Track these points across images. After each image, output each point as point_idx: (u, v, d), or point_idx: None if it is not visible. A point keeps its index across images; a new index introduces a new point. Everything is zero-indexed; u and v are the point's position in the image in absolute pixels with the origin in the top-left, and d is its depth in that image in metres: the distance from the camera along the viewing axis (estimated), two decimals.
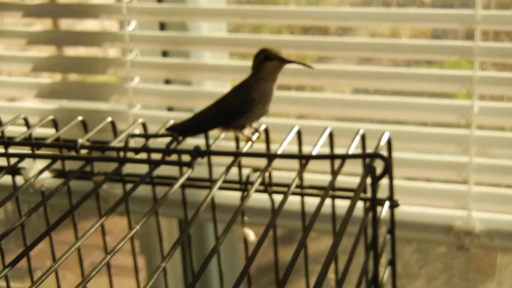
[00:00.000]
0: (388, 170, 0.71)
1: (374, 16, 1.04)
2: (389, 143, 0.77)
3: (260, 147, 0.84)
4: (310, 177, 0.99)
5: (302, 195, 0.84)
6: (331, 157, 0.73)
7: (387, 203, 0.79)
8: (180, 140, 0.78)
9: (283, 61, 0.78)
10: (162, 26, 1.22)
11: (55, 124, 0.86)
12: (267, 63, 0.78)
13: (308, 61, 1.20)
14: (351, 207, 0.63)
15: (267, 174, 0.83)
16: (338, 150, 0.80)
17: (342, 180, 0.91)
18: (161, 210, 0.88)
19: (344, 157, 0.71)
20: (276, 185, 0.85)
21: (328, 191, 0.68)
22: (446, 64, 1.20)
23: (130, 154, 0.75)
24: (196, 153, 0.74)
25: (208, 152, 0.74)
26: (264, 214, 0.88)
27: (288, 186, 0.68)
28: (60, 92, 1.21)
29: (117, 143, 0.80)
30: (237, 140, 0.84)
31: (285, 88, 1.15)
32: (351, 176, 0.97)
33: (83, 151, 0.76)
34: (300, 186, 0.84)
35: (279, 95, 1.09)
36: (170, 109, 1.23)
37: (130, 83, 1.18)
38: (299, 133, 0.81)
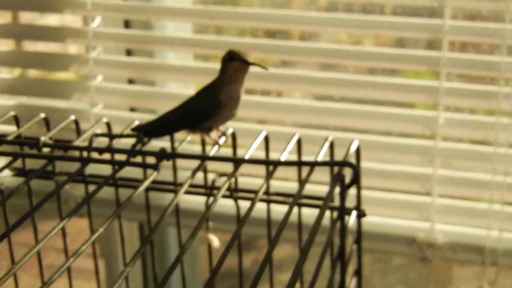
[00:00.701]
0: (357, 179, 0.70)
1: (339, 22, 1.04)
2: (357, 151, 0.76)
3: (227, 151, 0.82)
4: (276, 184, 0.98)
5: (269, 202, 0.82)
6: (300, 163, 0.72)
7: (354, 213, 0.78)
8: (145, 141, 0.76)
9: (244, 62, 0.76)
10: (127, 24, 1.20)
11: (16, 120, 0.83)
12: (230, 63, 0.76)
13: (271, 65, 1.19)
14: (320, 217, 0.62)
15: (233, 180, 0.82)
16: (305, 158, 0.79)
17: (309, 188, 0.90)
18: (123, 213, 0.86)
19: (313, 164, 0.70)
20: (242, 191, 0.83)
21: (296, 199, 0.66)
22: (407, 74, 1.20)
23: (93, 154, 0.73)
24: (162, 155, 0.72)
25: (174, 155, 0.72)
26: (229, 220, 0.86)
27: (255, 192, 0.67)
28: (20, 88, 1.18)
29: (80, 142, 0.77)
30: (203, 143, 0.82)
31: (251, 93, 1.13)
32: (317, 184, 0.96)
33: (45, 150, 0.73)
34: (267, 192, 0.82)
35: (245, 99, 1.09)
36: (132, 109, 1.21)
37: (92, 81, 1.15)
38: (266, 139, 0.80)
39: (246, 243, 1.28)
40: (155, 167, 0.69)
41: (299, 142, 0.79)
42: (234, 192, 0.82)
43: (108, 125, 0.84)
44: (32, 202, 0.83)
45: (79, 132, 0.83)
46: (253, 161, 0.72)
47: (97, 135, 0.74)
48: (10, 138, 0.76)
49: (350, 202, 0.75)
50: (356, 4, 1.18)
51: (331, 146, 0.78)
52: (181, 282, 0.87)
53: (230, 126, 0.82)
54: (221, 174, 0.83)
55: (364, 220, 1.05)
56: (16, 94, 1.19)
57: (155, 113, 1.15)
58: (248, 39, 1.12)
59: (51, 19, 1.30)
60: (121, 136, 0.75)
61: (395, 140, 1.05)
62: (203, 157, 0.72)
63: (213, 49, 1.09)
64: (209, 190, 0.83)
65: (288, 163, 0.72)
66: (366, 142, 1.05)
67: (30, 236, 0.82)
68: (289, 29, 1.17)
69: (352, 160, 0.75)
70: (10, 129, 0.82)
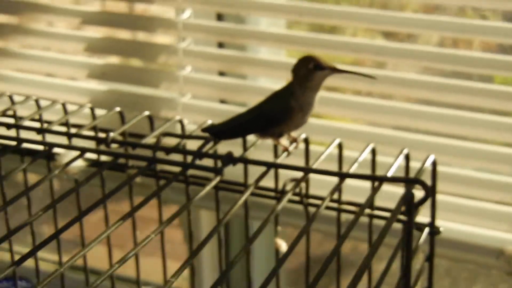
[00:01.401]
0: (427, 198, 0.66)
1: (438, 25, 0.99)
2: (434, 166, 0.73)
3: (300, 156, 0.80)
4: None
5: (339, 210, 0.80)
6: (370, 178, 0.69)
7: (427, 229, 0.74)
8: (214, 142, 0.75)
9: (337, 71, 0.74)
10: (219, 17, 1.19)
11: (92, 112, 0.84)
12: (318, 72, 0.74)
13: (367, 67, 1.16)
14: (384, 231, 0.60)
15: (304, 185, 0.80)
16: (381, 159, 0.77)
17: (387, 193, 0.87)
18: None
19: (382, 180, 0.67)
20: (313, 197, 0.81)
21: (363, 209, 0.64)
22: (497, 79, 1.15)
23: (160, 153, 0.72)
24: (228, 159, 0.71)
25: (240, 160, 0.71)
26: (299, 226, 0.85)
27: (323, 199, 0.65)
28: (111, 75, 1.19)
29: (152, 138, 0.77)
30: (275, 147, 0.80)
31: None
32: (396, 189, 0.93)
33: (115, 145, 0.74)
34: (338, 201, 0.80)
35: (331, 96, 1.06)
36: (222, 101, 1.20)
37: (181, 71, 1.15)
38: (340, 147, 0.77)
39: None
40: (218, 171, 0.68)
41: (373, 152, 0.77)
42: (304, 198, 0.80)
43: (181, 122, 0.83)
44: (104, 192, 0.83)
45: (152, 128, 0.82)
46: (322, 172, 0.70)
47: (165, 135, 0.73)
48: (85, 129, 0.77)
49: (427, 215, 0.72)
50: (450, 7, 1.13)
51: (407, 158, 0.75)
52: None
53: (302, 132, 0.79)
54: (293, 179, 0.81)
55: (450, 227, 1.01)
56: (108, 80, 1.21)
57: (245, 106, 1.14)
58: (342, 37, 1.08)
59: (139, 8, 1.30)
60: (189, 136, 0.74)
61: (487, 148, 1.01)
62: (270, 164, 0.71)
63: (305, 46, 1.06)
64: (279, 193, 0.82)
65: (357, 176, 0.69)
66: (457, 148, 1.01)
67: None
68: (387, 29, 1.13)
69: (428, 176, 0.72)
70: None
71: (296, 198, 0.80)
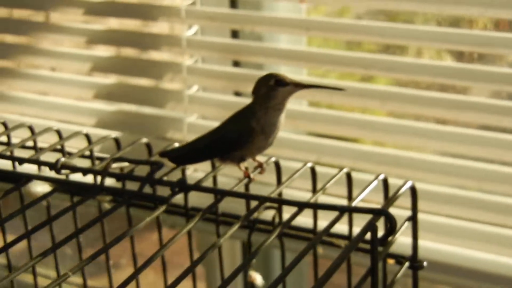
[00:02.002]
0: (392, 232, 0.59)
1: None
2: (413, 193, 0.65)
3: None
4: None
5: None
6: (331, 208, 0.61)
7: (407, 264, 0.67)
8: (169, 168, 0.69)
9: (301, 86, 0.67)
10: (234, 33, 1.13)
11: (87, 138, 0.80)
12: (280, 89, 0.67)
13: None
14: (338, 262, 0.53)
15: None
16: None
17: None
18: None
19: (344, 210, 0.60)
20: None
21: (316, 240, 0.58)
22: None
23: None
24: (181, 186, 0.65)
25: (193, 187, 0.65)
26: None
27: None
28: (117, 95, 1.15)
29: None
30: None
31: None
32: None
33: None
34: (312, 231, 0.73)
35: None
36: None
37: (187, 90, 1.10)
38: (313, 171, 0.71)
39: None
40: (165, 201, 0.62)
41: (348, 176, 0.69)
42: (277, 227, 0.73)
43: (147, 146, 0.77)
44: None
45: (150, 154, 0.77)
46: (284, 202, 0.63)
47: (115, 160, 0.67)
48: (77, 155, 0.73)
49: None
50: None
51: (385, 184, 0.67)
52: None
53: (272, 155, 0.73)
54: (267, 207, 0.74)
55: (463, 253, 0.92)
56: (113, 100, 1.17)
57: None
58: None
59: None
60: (140, 162, 0.68)
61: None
62: (222, 192, 0.64)
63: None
64: (251, 222, 0.75)
65: (320, 207, 0.62)
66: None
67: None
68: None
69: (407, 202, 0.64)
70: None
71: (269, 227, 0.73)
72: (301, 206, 0.62)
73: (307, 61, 1.03)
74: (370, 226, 0.58)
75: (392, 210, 0.59)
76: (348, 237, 0.73)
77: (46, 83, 1.20)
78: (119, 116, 1.16)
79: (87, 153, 0.78)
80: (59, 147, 0.79)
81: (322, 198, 0.67)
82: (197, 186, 0.65)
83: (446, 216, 0.96)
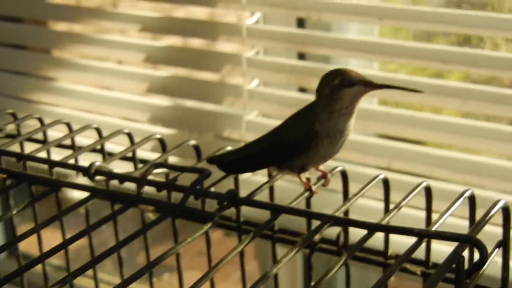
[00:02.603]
0: (484, 263, 0.48)
1: None
2: (506, 215, 0.54)
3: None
4: None
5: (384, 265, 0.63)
6: (410, 233, 0.51)
7: None
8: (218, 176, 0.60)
9: (372, 86, 0.57)
10: (300, 23, 1.04)
11: (130, 137, 0.71)
12: (346, 90, 0.57)
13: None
14: None
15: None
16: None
17: None
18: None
19: (423, 236, 0.50)
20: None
21: (396, 266, 0.49)
22: None
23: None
24: (230, 200, 0.55)
25: (245, 201, 0.55)
26: None
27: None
28: (172, 89, 1.06)
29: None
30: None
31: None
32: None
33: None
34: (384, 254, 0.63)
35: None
36: None
37: (247, 85, 1.00)
38: (386, 184, 0.60)
39: None
40: (210, 217, 0.53)
41: (428, 192, 0.59)
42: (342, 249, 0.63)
43: (196, 148, 0.68)
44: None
45: (199, 157, 0.67)
46: (354, 223, 0.53)
47: (156, 166, 0.58)
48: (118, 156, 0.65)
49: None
50: None
51: (471, 202, 0.57)
52: None
53: (337, 166, 0.63)
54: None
55: None
56: (168, 94, 1.08)
57: None
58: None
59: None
60: (184, 169, 0.59)
61: None
62: (279, 208, 0.54)
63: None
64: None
65: (395, 230, 0.52)
66: None
67: None
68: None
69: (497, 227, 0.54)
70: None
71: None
72: (371, 229, 0.52)
73: (379, 54, 0.93)
74: (456, 257, 0.48)
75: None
76: (426, 262, 0.62)
77: (97, 74, 1.13)
78: (174, 112, 1.08)
79: (130, 154, 0.70)
80: (98, 147, 0.71)
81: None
82: (250, 200, 0.56)
83: None
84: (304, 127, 0.57)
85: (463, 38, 0.99)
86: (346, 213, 0.60)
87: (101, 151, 0.71)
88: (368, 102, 0.99)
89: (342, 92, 0.56)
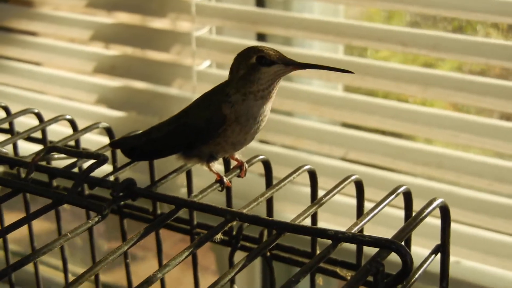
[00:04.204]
0: (407, 274, 0.41)
1: None
2: (444, 214, 0.47)
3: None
4: None
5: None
6: (325, 235, 0.44)
7: None
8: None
9: (292, 65, 0.49)
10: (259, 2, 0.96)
11: (72, 124, 0.62)
12: (263, 69, 0.49)
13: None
14: None
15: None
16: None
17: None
18: None
19: (338, 240, 0.43)
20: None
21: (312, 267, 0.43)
22: None
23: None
24: (126, 191, 0.48)
25: (144, 192, 0.48)
26: None
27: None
28: (121, 69, 0.99)
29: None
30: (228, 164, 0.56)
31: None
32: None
33: None
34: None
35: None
36: None
37: (196, 66, 0.93)
38: (312, 175, 0.53)
39: None
40: (98, 210, 0.46)
41: (359, 186, 0.52)
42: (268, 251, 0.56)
43: (108, 131, 0.61)
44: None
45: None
46: (257, 220, 0.46)
47: (50, 150, 0.51)
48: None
49: None
50: None
51: (407, 199, 0.49)
52: None
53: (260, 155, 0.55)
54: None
55: None
56: (116, 75, 1.00)
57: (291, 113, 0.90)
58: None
59: None
60: (80, 154, 0.52)
61: None
62: (181, 202, 0.47)
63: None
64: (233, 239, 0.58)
65: (308, 232, 0.44)
66: None
67: None
68: None
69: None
70: None
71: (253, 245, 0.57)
72: (283, 229, 0.44)
73: (344, 36, 0.85)
74: (374, 266, 0.40)
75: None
76: (357, 266, 0.55)
77: (42, 52, 1.05)
78: (121, 93, 1.00)
79: (39, 135, 0.62)
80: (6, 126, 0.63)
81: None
82: (148, 192, 0.48)
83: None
84: (210, 111, 0.50)
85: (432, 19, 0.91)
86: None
87: (43, 140, 0.63)
88: (331, 88, 0.93)
89: (260, 72, 0.49)
